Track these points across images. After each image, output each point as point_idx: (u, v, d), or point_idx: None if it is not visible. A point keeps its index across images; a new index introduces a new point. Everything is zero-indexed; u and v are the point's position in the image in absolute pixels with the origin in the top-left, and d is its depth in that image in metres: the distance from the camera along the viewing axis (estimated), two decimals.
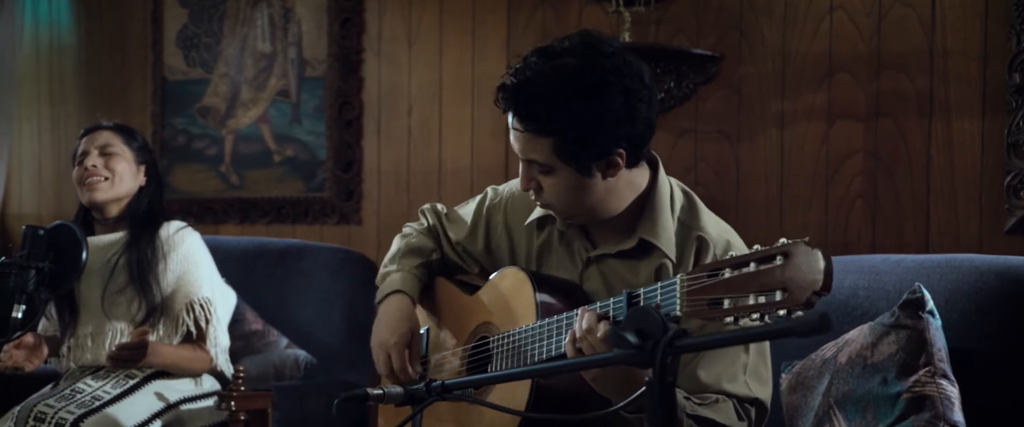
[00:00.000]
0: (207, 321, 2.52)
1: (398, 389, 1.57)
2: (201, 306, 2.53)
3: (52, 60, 4.52)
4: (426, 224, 2.14)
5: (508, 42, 3.58)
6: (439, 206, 2.17)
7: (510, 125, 1.78)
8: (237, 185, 4.09)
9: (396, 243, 2.14)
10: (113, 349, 2.40)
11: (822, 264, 1.26)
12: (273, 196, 4.00)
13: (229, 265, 2.90)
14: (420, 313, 2.06)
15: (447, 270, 2.11)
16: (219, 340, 2.55)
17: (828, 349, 2.11)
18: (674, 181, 1.89)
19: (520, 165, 1.80)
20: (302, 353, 2.96)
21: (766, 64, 3.15)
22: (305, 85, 3.94)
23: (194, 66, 4.17)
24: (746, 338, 1.26)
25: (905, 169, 2.96)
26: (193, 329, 2.53)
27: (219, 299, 2.61)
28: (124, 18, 4.34)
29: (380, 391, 1.56)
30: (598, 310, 1.61)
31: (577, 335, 1.60)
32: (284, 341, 3.01)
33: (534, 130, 1.72)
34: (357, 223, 3.86)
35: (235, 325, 2.84)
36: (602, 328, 1.57)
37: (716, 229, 1.83)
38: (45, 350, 2.58)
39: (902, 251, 2.77)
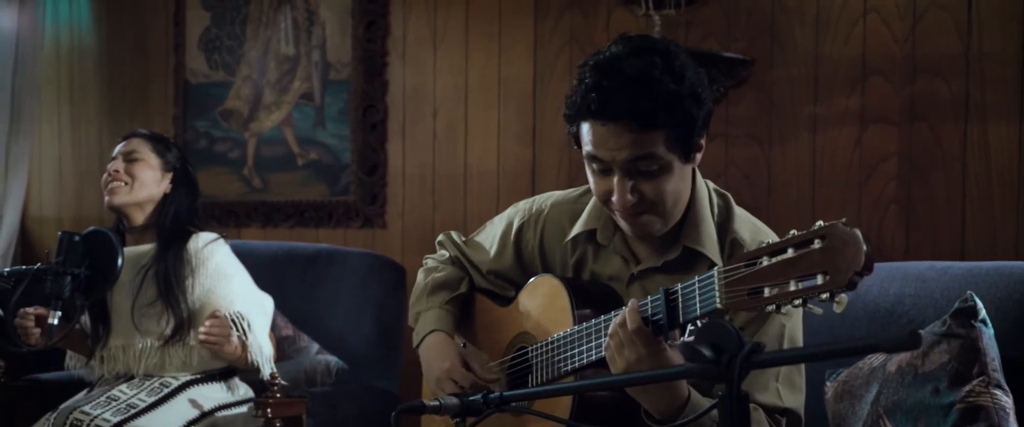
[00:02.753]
0: (244, 335, 2.47)
1: (454, 400, 1.55)
2: (234, 321, 2.48)
3: (72, 62, 4.50)
4: (448, 255, 2.09)
5: (535, 45, 3.56)
6: (455, 235, 2.11)
7: (601, 134, 1.65)
8: (260, 188, 4.07)
9: (421, 277, 2.07)
10: (201, 335, 2.41)
11: (863, 244, 1.24)
12: (296, 199, 3.98)
13: (258, 270, 2.87)
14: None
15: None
16: (263, 349, 2.51)
17: (875, 357, 2.08)
18: (709, 183, 1.86)
19: (617, 180, 1.66)
20: (333, 359, 2.94)
21: (798, 68, 3.13)
22: (329, 88, 3.92)
23: (216, 69, 4.16)
24: (826, 354, 1.24)
25: (940, 174, 2.94)
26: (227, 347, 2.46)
27: (255, 310, 2.56)
28: (146, 20, 4.33)
29: (437, 402, 1.55)
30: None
31: (611, 329, 1.58)
32: (315, 347, 2.99)
33: (647, 125, 1.62)
34: (381, 227, 3.85)
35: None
36: (632, 321, 1.55)
37: (750, 231, 1.79)
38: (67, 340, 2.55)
39: (937, 257, 2.75)
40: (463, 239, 2.09)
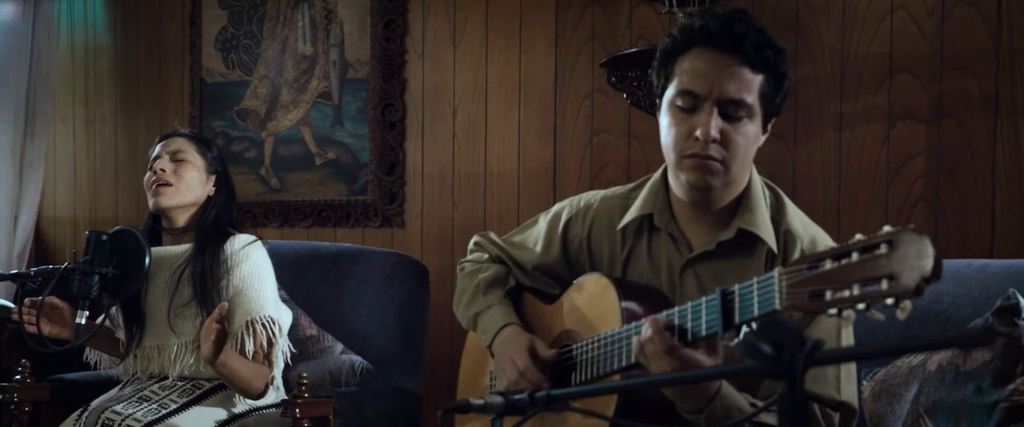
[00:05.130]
0: (271, 342, 2.44)
1: (499, 399, 1.53)
2: (263, 325, 2.43)
3: (87, 62, 4.49)
4: (488, 255, 2.08)
5: (556, 43, 3.54)
6: (493, 236, 2.10)
7: (707, 64, 1.66)
8: (277, 188, 4.05)
9: (465, 281, 2.05)
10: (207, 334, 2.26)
11: (931, 250, 1.22)
12: (314, 199, 3.96)
13: (281, 270, 2.84)
14: None
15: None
16: (279, 361, 2.48)
17: (915, 356, 2.06)
18: (761, 177, 1.86)
19: (708, 111, 1.66)
20: (358, 359, 2.92)
21: (824, 65, 3.11)
22: (347, 87, 3.90)
23: (233, 68, 4.14)
24: (893, 351, 1.21)
25: (969, 172, 2.91)
26: (252, 348, 2.41)
27: (285, 318, 2.53)
28: (162, 20, 4.31)
29: (482, 401, 1.52)
30: (677, 314, 1.58)
31: (641, 340, 1.57)
32: (339, 347, 2.97)
33: (754, 63, 1.66)
34: (400, 226, 3.83)
35: (290, 331, 2.78)
36: (660, 341, 1.54)
37: (802, 224, 1.80)
38: (72, 321, 2.48)
39: (966, 256, 2.73)
40: (505, 239, 2.08)
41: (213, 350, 2.24)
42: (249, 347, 2.40)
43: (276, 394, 2.54)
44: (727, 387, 1.61)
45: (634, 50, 3.07)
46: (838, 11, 3.09)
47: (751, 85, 1.66)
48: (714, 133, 1.66)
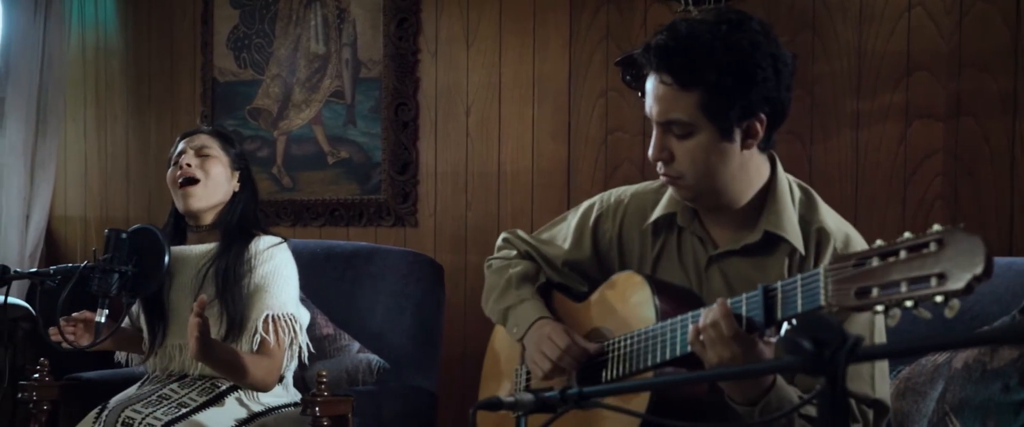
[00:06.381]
0: (292, 339, 2.43)
1: (530, 396, 1.52)
2: (286, 321, 2.42)
3: (98, 62, 4.48)
4: (517, 251, 2.08)
5: (570, 42, 3.53)
6: (521, 233, 2.11)
7: (650, 88, 1.74)
8: (289, 187, 4.05)
9: (495, 277, 2.05)
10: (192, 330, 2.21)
11: (983, 248, 1.21)
12: (327, 198, 3.96)
13: (297, 268, 2.84)
14: None
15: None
16: (293, 359, 2.48)
17: (940, 354, 2.05)
18: (791, 177, 1.86)
19: (653, 133, 1.75)
20: (375, 358, 2.91)
21: (840, 62, 3.10)
22: (360, 86, 3.89)
23: (245, 67, 4.13)
24: (936, 346, 1.20)
25: (987, 170, 2.90)
26: (272, 343, 2.40)
27: (303, 319, 2.52)
28: (173, 19, 4.31)
29: (512, 398, 1.52)
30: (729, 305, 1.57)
31: (700, 326, 1.56)
32: (356, 345, 2.96)
33: (682, 82, 1.68)
34: (413, 226, 3.82)
35: (307, 330, 2.78)
36: (726, 325, 1.53)
37: (835, 222, 1.80)
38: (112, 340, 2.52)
39: None
40: (533, 236, 2.07)
41: (197, 347, 2.19)
42: (270, 341, 2.38)
43: (285, 393, 2.53)
44: (780, 379, 1.60)
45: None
46: (855, 8, 3.08)
47: (683, 103, 1.69)
48: (651, 153, 1.76)
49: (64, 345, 2.40)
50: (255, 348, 2.42)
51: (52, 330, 2.38)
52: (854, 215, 3.07)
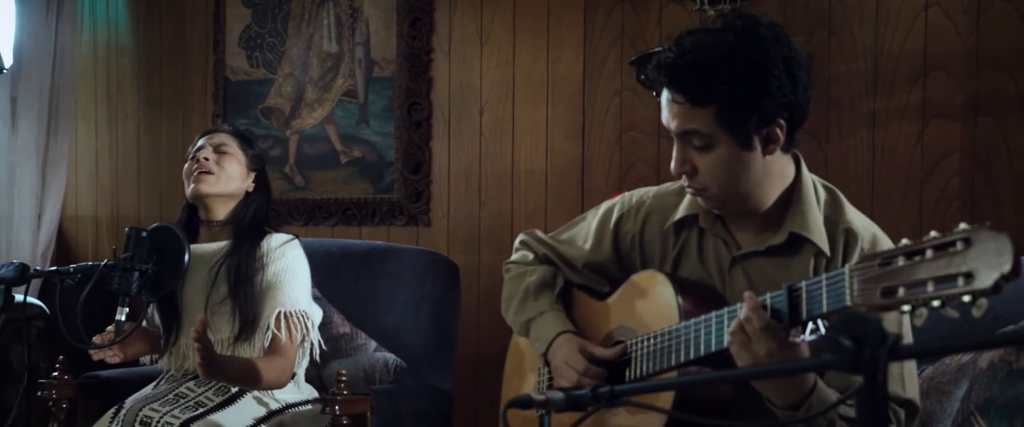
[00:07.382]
0: (304, 336, 2.43)
1: (559, 394, 1.52)
2: (298, 318, 2.43)
3: (110, 60, 4.48)
4: (534, 254, 2.06)
5: (584, 42, 3.53)
6: (539, 234, 2.09)
7: (665, 103, 1.73)
8: (302, 186, 4.05)
9: (513, 285, 2.04)
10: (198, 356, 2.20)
11: (1010, 247, 1.20)
12: (339, 197, 3.95)
13: (312, 267, 2.82)
14: None
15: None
16: (305, 356, 2.48)
17: (963, 353, 2.05)
18: (816, 177, 1.85)
19: (674, 147, 1.74)
20: (392, 357, 2.91)
21: (857, 62, 3.09)
22: (373, 85, 3.89)
23: (257, 66, 4.13)
24: (975, 345, 1.20)
25: (1005, 169, 2.90)
26: (284, 340, 2.40)
27: (316, 316, 2.53)
28: (185, 18, 4.31)
29: (544, 397, 1.51)
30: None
31: (741, 318, 1.54)
32: (372, 344, 2.96)
33: (695, 100, 1.67)
34: (426, 225, 3.82)
35: (323, 328, 2.79)
36: (759, 320, 1.52)
37: (862, 223, 1.79)
38: (138, 346, 2.54)
39: None
40: (553, 237, 2.06)
41: (202, 369, 2.19)
42: (282, 338, 2.39)
43: (298, 390, 2.53)
44: (821, 382, 1.59)
45: (663, 48, 3.06)
46: (872, 8, 3.07)
47: (699, 117, 1.68)
48: (673, 166, 1.75)
49: (108, 360, 2.42)
50: (267, 344, 2.42)
51: (94, 352, 2.38)
52: (870, 215, 3.04)
